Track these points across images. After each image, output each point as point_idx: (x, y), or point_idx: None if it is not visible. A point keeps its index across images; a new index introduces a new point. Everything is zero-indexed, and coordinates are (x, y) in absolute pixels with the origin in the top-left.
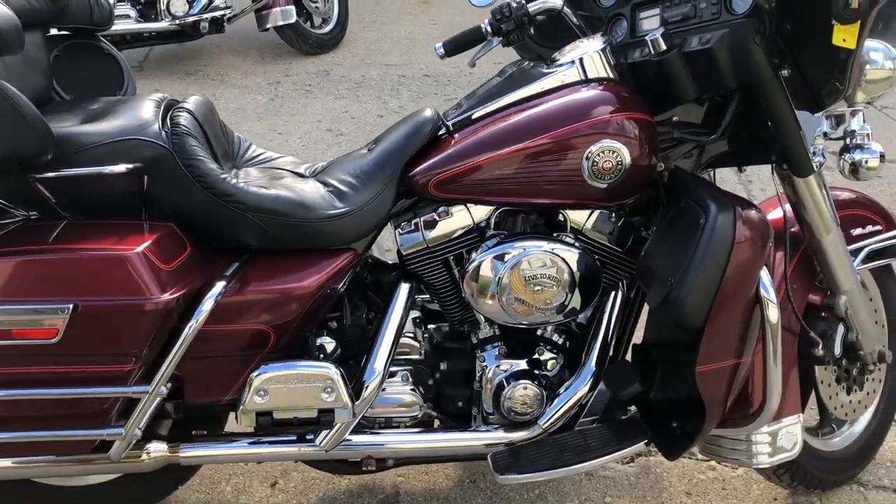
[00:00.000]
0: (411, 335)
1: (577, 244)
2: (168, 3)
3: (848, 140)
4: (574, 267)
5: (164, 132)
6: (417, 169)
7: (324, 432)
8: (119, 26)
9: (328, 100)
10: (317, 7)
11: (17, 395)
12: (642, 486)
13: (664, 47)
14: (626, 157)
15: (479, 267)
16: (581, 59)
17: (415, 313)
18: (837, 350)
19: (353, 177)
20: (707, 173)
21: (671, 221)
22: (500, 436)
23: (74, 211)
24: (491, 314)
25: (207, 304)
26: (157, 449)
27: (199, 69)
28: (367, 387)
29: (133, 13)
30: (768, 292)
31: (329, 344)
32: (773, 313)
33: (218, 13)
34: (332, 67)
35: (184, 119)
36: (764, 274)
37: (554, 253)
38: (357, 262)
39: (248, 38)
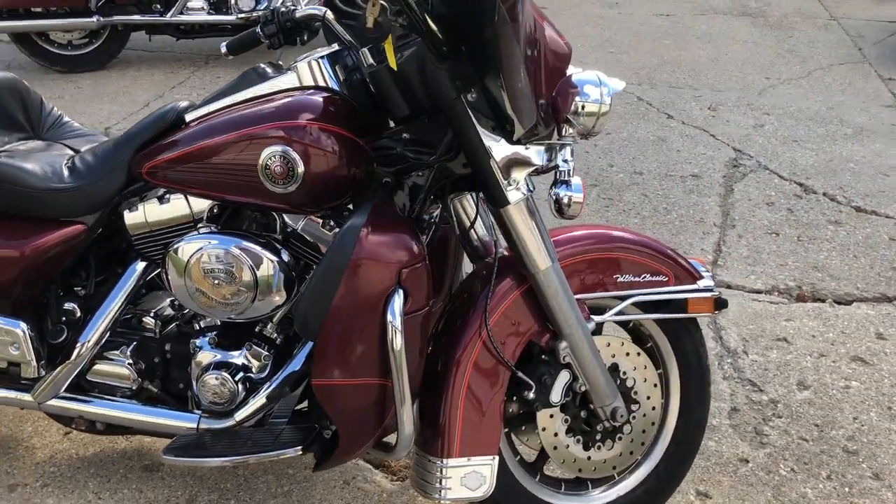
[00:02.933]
0: (153, 313)
1: (276, 247)
2: None
3: (556, 174)
4: (259, 268)
5: None
6: (140, 154)
7: (42, 385)
8: (192, 17)
9: None
10: None
11: None
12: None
13: (371, 61)
14: (300, 165)
15: (173, 253)
16: (299, 66)
17: None
18: (556, 397)
19: (93, 156)
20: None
21: None
22: (195, 421)
23: None
24: (182, 301)
25: None
26: None
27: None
28: (76, 351)
29: (206, 6)
30: (395, 318)
31: (73, 309)
32: (397, 340)
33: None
34: None
35: None
36: (397, 299)
37: (237, 250)
38: (86, 235)
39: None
